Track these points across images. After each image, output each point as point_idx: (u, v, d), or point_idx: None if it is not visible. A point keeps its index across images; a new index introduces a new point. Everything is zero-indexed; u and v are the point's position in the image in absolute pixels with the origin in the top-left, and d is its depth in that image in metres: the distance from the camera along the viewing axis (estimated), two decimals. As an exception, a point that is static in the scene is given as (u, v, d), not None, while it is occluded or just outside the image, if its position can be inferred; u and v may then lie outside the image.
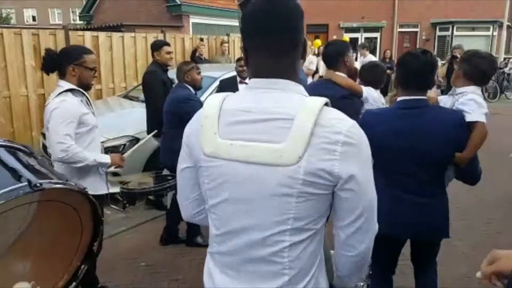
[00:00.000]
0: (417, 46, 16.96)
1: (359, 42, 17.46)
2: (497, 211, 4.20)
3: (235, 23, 13.54)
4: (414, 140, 1.89)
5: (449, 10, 16.70)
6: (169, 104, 3.32)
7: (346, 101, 2.57)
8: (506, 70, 13.95)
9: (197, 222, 1.22)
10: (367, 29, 17.74)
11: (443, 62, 8.76)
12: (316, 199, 0.96)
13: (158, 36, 7.69)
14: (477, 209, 4.22)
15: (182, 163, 1.13)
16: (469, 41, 16.54)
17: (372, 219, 1.03)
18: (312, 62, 9.11)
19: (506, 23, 15.24)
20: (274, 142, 0.95)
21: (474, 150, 2.01)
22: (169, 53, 4.04)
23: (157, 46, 4.05)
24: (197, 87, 3.46)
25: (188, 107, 3.04)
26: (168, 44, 4.18)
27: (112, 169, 2.53)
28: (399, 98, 2.01)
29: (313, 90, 1.90)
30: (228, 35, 10.54)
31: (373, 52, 15.82)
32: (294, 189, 0.94)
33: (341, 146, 0.94)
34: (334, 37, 17.42)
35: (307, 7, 17.01)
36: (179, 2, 11.69)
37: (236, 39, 10.68)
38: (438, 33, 17.41)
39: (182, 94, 3.26)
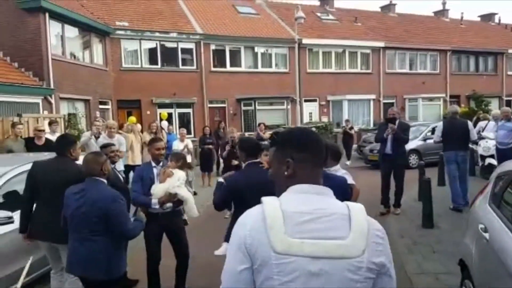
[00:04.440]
0: (227, 120, 18.16)
1: (173, 117, 17.60)
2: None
3: (30, 99, 11.62)
4: None
5: (250, 88, 18.69)
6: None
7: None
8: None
9: None
10: (179, 105, 18.06)
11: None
12: (369, 283, 1.20)
13: None
14: None
15: (240, 265, 1.20)
16: (269, 114, 18.78)
17: None
18: (122, 143, 7.89)
19: (297, 98, 17.97)
20: (339, 238, 1.18)
21: (356, 199, 3.43)
22: None
23: None
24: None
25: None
26: None
27: None
28: None
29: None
30: (19, 115, 8.77)
31: (187, 126, 16.08)
32: (360, 276, 1.18)
33: (382, 240, 1.25)
34: (148, 112, 17.08)
35: (118, 83, 16.45)
36: None
37: (30, 120, 8.99)
38: (243, 108, 19.12)
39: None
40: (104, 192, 2.94)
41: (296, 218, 1.19)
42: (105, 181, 3.07)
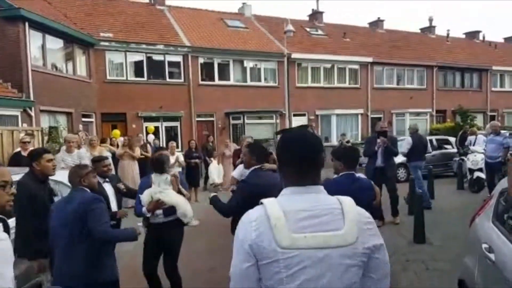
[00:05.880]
0: (215, 134, 17.75)
1: (160, 131, 17.12)
2: None
3: (8, 111, 11.03)
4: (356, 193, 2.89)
5: (239, 101, 18.37)
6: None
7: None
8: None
9: None
10: (166, 118, 17.58)
11: None
12: (362, 266, 1.37)
13: None
14: None
15: (245, 263, 1.33)
16: (258, 128, 18.44)
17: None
18: (82, 157, 7.74)
19: (286, 112, 17.71)
20: (335, 229, 1.34)
21: (379, 197, 3.86)
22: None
23: None
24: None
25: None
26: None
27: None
28: (343, 173, 3.50)
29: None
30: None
31: (174, 140, 15.57)
32: (356, 260, 1.35)
33: (371, 225, 1.43)
34: (133, 126, 16.54)
35: (102, 95, 15.91)
36: None
37: (4, 132, 8.43)
38: (231, 121, 18.74)
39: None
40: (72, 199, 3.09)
41: (296, 216, 1.33)
42: (86, 189, 3.17)
